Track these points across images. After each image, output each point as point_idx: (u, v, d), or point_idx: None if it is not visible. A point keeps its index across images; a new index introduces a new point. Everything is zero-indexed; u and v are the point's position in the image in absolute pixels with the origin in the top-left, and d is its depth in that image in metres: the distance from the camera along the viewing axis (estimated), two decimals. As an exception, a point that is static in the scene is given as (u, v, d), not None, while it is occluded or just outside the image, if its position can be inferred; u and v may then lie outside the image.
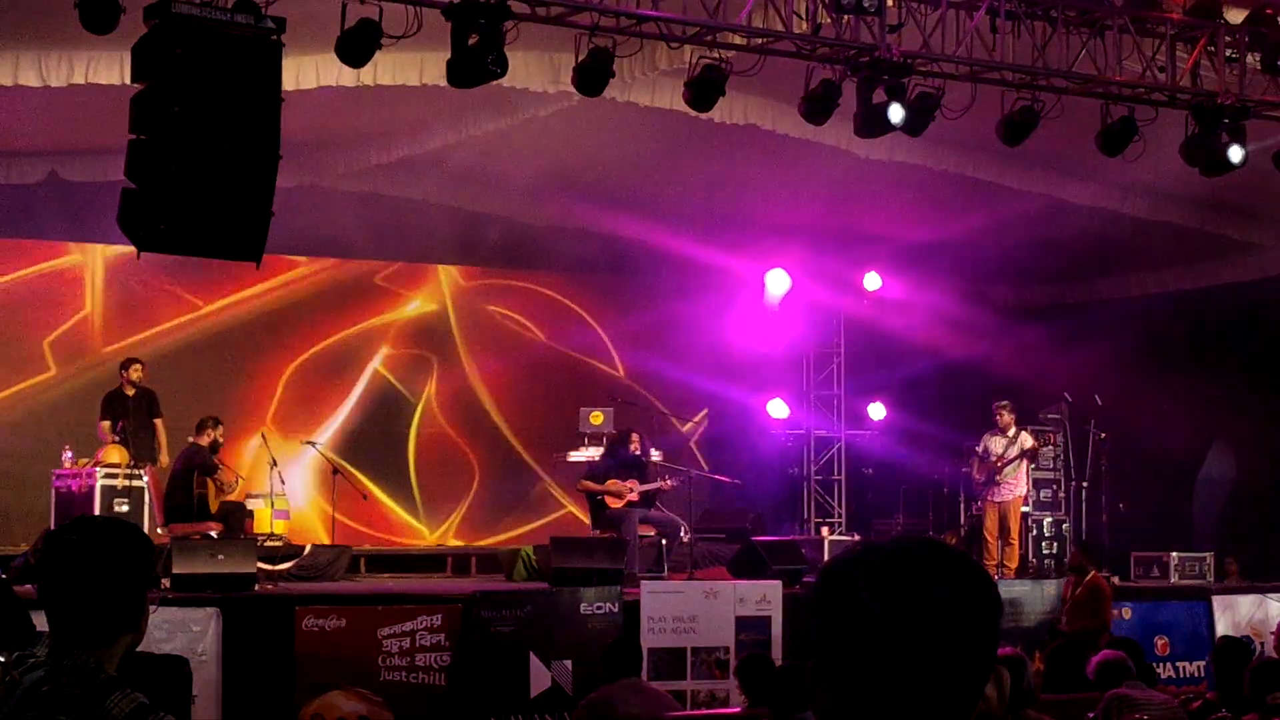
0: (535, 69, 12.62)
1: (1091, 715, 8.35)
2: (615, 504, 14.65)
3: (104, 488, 13.59)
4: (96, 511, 13.06)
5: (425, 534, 18.51)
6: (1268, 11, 12.21)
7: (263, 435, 16.21)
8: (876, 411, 19.86)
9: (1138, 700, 8.29)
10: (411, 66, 12.48)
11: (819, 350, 19.97)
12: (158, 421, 14.76)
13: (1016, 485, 15.85)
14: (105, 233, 13.36)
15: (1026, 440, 15.88)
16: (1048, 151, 14.43)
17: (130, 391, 14.67)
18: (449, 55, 10.28)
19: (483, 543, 18.03)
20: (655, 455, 15.51)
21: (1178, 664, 15.04)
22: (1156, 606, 15.34)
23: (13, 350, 16.96)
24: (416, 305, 19.05)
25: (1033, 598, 14.46)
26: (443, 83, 10.85)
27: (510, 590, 13.40)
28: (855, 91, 11.39)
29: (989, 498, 15.84)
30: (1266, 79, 12.42)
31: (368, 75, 12.05)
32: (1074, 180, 16.06)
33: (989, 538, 15.66)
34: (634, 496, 14.67)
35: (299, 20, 9.62)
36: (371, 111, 14.65)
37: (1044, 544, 16.66)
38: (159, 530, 13.63)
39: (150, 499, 13.80)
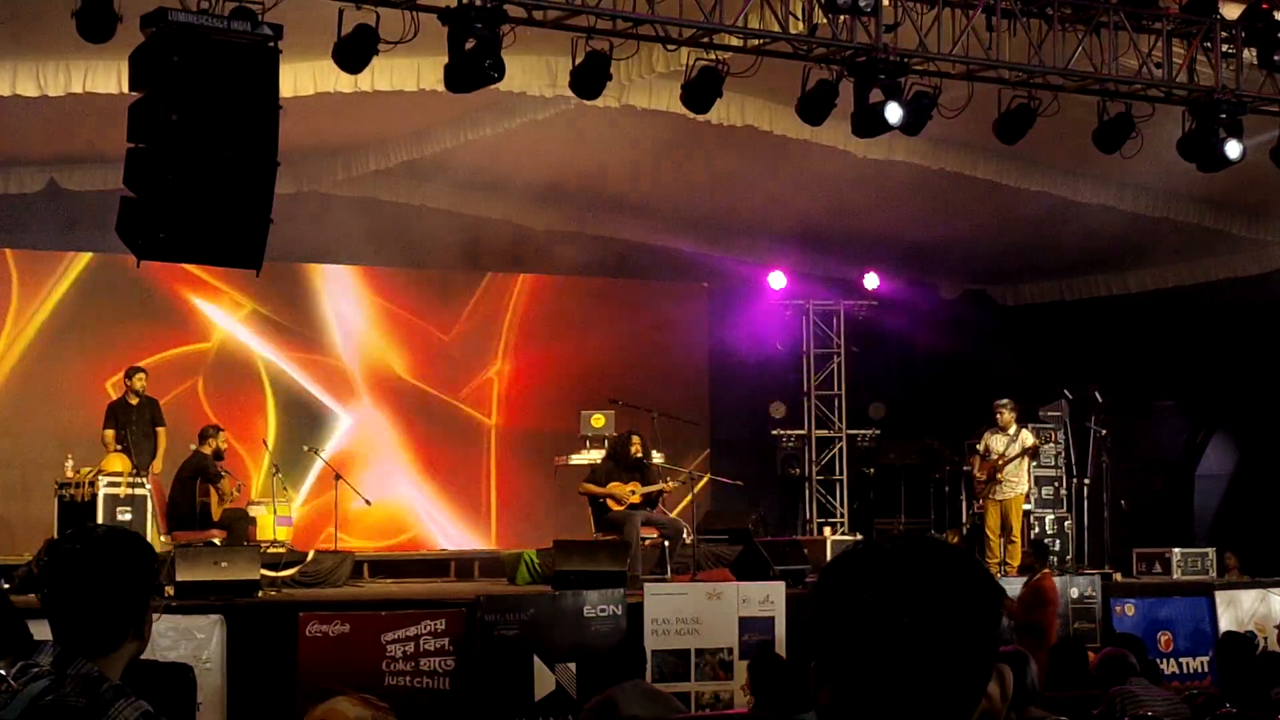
0: (532, 73, 12.62)
1: (1095, 712, 8.36)
2: (617, 507, 14.66)
3: (107, 496, 13.60)
4: (99, 520, 13.08)
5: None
6: (1264, 6, 12.21)
7: (265, 442, 16.22)
8: (876, 411, 19.88)
9: (1140, 696, 8.30)
10: (409, 72, 12.49)
11: (819, 350, 19.97)
12: (160, 430, 14.84)
13: (1018, 483, 15.86)
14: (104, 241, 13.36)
15: (1027, 438, 15.90)
16: (1046, 149, 14.45)
17: (134, 401, 14.73)
18: (446, 60, 10.29)
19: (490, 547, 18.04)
20: (657, 457, 15.52)
21: (1181, 660, 15.06)
22: (1159, 603, 15.35)
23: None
24: (417, 307, 19.04)
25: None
26: (440, 88, 10.85)
27: (513, 594, 13.40)
28: (852, 91, 11.40)
29: (990, 496, 15.86)
30: (1263, 74, 12.42)
31: (365, 81, 12.06)
32: (1073, 178, 16.06)
33: (991, 536, 15.68)
34: (635, 499, 14.68)
35: (296, 27, 9.61)
36: (369, 118, 14.67)
37: (1046, 541, 16.65)
38: (162, 538, 13.64)
39: (153, 507, 13.82)
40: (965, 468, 17.13)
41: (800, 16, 11.14)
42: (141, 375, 14.90)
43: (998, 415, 16.02)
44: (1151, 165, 13.20)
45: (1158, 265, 19.35)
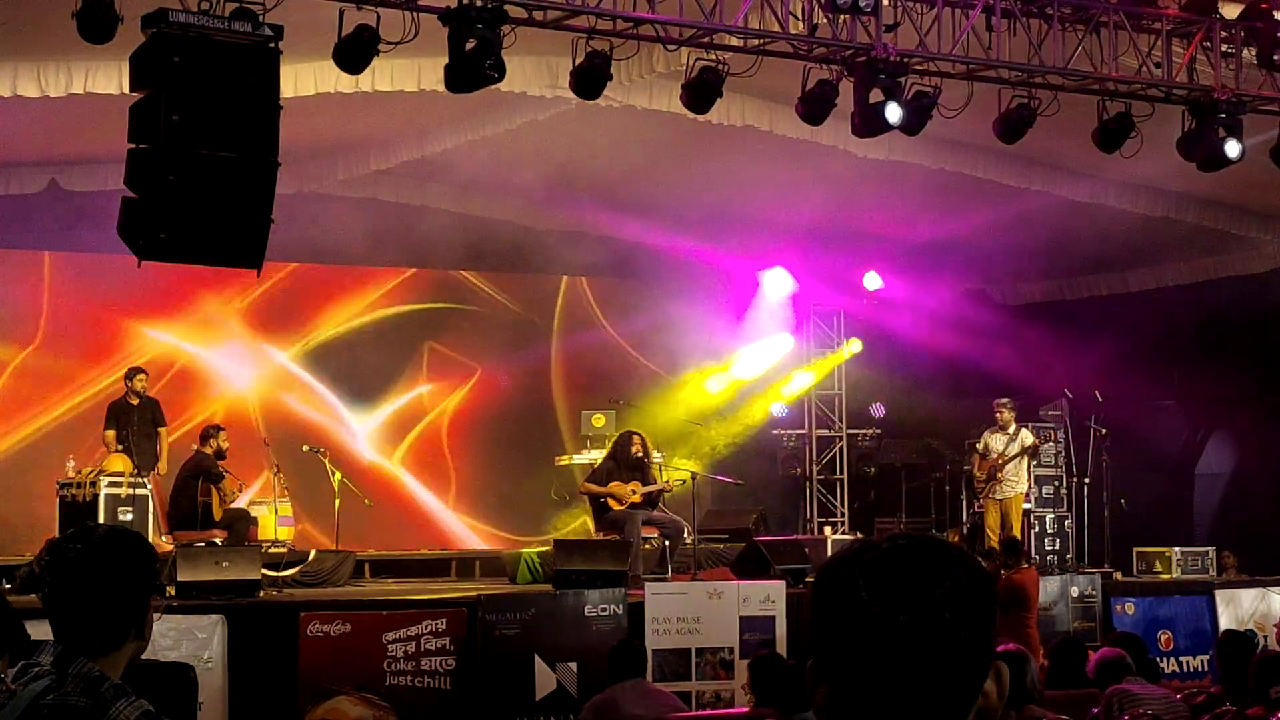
0: (533, 73, 12.63)
1: (1094, 711, 8.36)
2: (618, 506, 14.67)
3: (108, 496, 13.60)
4: (101, 520, 13.08)
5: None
6: (1263, 6, 12.22)
7: (265, 442, 16.22)
8: (877, 410, 19.89)
9: (1138, 695, 8.29)
10: (409, 72, 12.49)
11: (819, 350, 19.97)
12: (161, 430, 14.85)
13: (1018, 482, 15.88)
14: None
15: (1027, 438, 15.91)
16: (1046, 149, 14.45)
17: (134, 401, 14.74)
18: (447, 61, 10.30)
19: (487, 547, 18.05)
20: (657, 457, 15.52)
21: (1181, 658, 15.07)
22: (1159, 601, 15.36)
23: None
24: (418, 309, 19.05)
25: (1035, 595, 14.44)
26: (441, 88, 10.85)
27: (514, 593, 13.40)
28: (852, 91, 11.41)
29: (990, 495, 15.88)
30: (1262, 74, 12.43)
31: (366, 82, 12.06)
32: (1072, 177, 16.07)
33: (991, 535, 15.69)
34: (636, 498, 14.69)
35: (296, 27, 9.62)
36: (370, 118, 14.68)
37: (1046, 540, 16.68)
38: (163, 538, 13.65)
39: (154, 507, 13.82)
40: (965, 467, 17.14)
41: (800, 16, 11.14)
42: (142, 376, 14.91)
43: (998, 415, 16.04)
44: (1152, 165, 13.20)
45: (1158, 265, 19.35)
